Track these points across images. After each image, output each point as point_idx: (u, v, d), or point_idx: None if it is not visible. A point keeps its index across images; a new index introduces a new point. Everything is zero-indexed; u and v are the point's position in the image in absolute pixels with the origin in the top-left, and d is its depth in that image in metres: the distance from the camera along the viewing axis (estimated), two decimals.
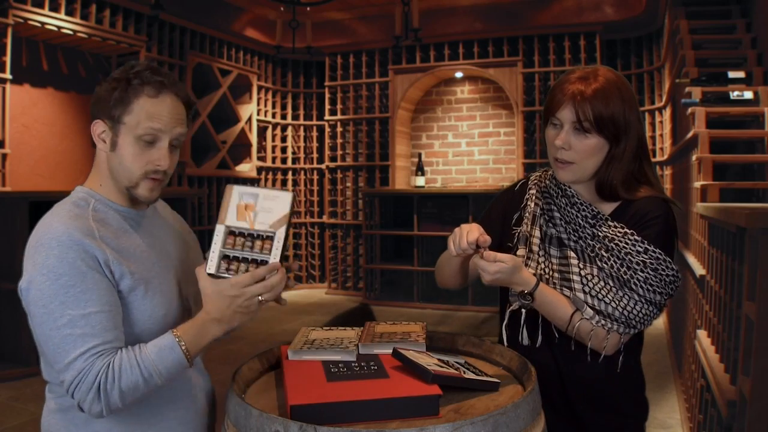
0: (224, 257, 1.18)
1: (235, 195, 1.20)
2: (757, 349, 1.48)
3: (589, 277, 1.35)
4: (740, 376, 1.60)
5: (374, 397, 1.12)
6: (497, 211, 1.57)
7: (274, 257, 1.17)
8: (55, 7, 4.65)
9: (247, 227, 1.19)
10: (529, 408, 1.12)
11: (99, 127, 1.25)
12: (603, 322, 1.32)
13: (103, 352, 1.13)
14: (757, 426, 1.47)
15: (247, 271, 1.17)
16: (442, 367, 1.25)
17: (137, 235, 1.28)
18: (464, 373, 1.26)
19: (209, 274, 1.17)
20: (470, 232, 1.33)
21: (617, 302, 1.32)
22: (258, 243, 1.19)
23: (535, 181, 1.52)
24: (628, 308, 1.32)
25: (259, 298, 1.16)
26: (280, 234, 1.18)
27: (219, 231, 1.19)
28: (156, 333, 1.21)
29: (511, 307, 1.41)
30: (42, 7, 4.53)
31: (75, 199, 1.26)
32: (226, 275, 1.17)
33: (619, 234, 1.35)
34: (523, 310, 1.40)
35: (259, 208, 1.19)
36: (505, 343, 1.44)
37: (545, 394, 1.27)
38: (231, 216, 1.20)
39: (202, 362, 1.43)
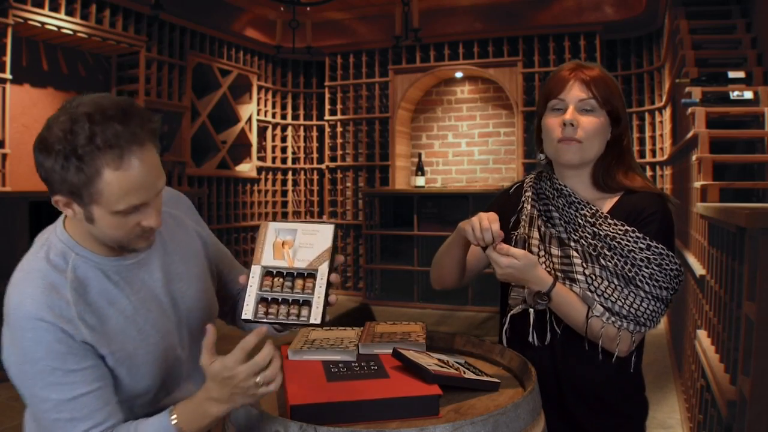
0: (262, 300, 1.09)
1: (271, 232, 1.13)
2: (757, 349, 1.48)
3: (593, 276, 1.35)
4: (740, 376, 1.60)
5: (374, 397, 1.12)
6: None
7: (318, 296, 1.08)
8: (55, 7, 4.64)
9: (286, 266, 1.10)
10: (529, 408, 1.12)
11: (62, 202, 1.05)
12: (613, 319, 1.32)
13: None
14: (757, 426, 1.47)
15: (288, 314, 1.07)
16: (442, 367, 1.25)
17: (122, 295, 1.13)
18: (464, 373, 1.26)
19: (245, 320, 1.08)
20: (494, 222, 1.33)
21: (623, 300, 1.32)
22: (299, 282, 1.09)
23: (530, 183, 1.52)
24: (635, 305, 1.32)
25: (257, 380, 1.00)
26: (323, 270, 1.09)
27: (255, 272, 1.10)
28: (149, 393, 1.15)
29: (512, 311, 1.41)
30: (42, 7, 4.53)
31: (52, 254, 1.09)
32: (265, 320, 1.07)
33: (620, 232, 1.35)
34: (531, 311, 1.39)
35: (298, 244, 1.11)
36: (505, 344, 1.44)
37: (545, 394, 1.27)
38: (267, 255, 1.11)
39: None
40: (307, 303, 1.07)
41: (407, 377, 1.23)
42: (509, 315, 1.42)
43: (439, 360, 1.31)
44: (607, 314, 1.33)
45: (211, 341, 1.02)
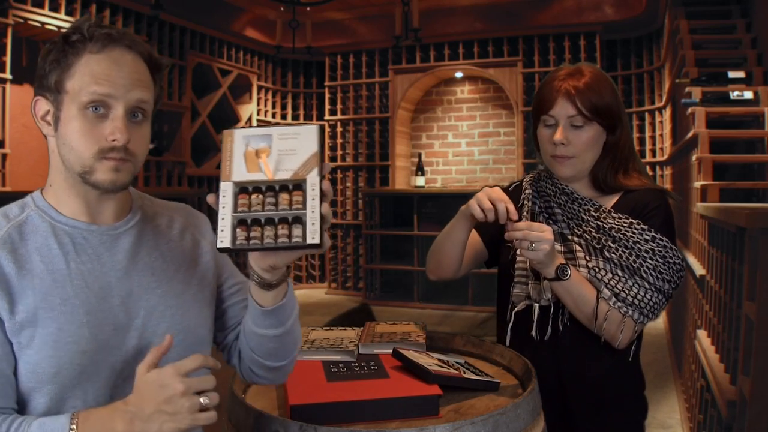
0: (240, 223, 0.86)
1: (239, 140, 0.92)
2: (757, 349, 1.48)
3: (597, 268, 1.36)
4: (740, 376, 1.60)
5: (374, 397, 1.12)
6: None
7: (312, 210, 0.86)
8: (55, 7, 4.65)
9: (265, 178, 0.89)
10: (529, 408, 1.12)
11: (40, 106, 0.98)
12: (619, 304, 1.33)
13: None
14: (757, 426, 1.47)
15: (276, 236, 0.85)
16: (442, 367, 1.25)
17: (62, 258, 0.96)
18: (464, 373, 1.26)
19: (222, 249, 0.86)
20: (508, 202, 1.31)
21: (627, 291, 1.33)
22: (284, 196, 0.88)
23: (530, 182, 1.53)
24: (639, 296, 1.33)
25: (200, 400, 0.83)
26: (313, 179, 0.88)
27: (225, 191, 0.88)
28: (55, 388, 0.91)
29: (516, 308, 1.41)
30: (42, 7, 4.53)
31: (13, 206, 1.01)
32: (248, 246, 0.85)
33: (625, 224, 1.36)
34: (536, 305, 1.38)
35: (277, 152, 0.90)
36: (507, 343, 1.43)
37: (546, 393, 1.27)
38: (238, 168, 0.90)
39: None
40: (299, 220, 0.86)
41: (407, 377, 1.23)
42: (514, 311, 1.42)
43: (439, 360, 1.31)
44: (614, 299, 1.33)
45: (160, 351, 0.86)
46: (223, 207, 0.88)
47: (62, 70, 0.95)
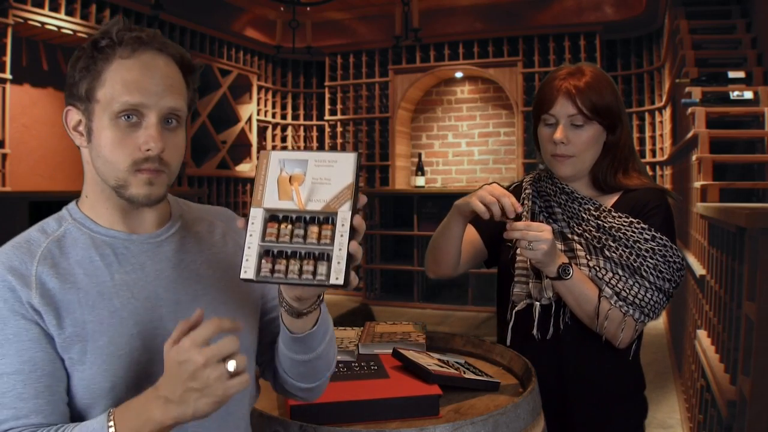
0: (266, 253, 0.84)
1: (274, 164, 0.88)
2: (757, 349, 1.48)
3: (598, 267, 1.36)
4: (740, 376, 1.60)
5: (374, 397, 1.12)
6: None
7: (339, 247, 0.82)
8: (55, 7, 4.65)
9: (295, 208, 0.85)
10: (529, 408, 1.12)
11: (72, 117, 0.95)
12: (620, 303, 1.33)
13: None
14: (757, 426, 1.47)
15: (301, 271, 0.82)
16: (442, 367, 1.25)
17: (106, 270, 0.93)
18: (464, 373, 1.26)
19: (246, 280, 0.83)
20: (510, 197, 1.31)
21: (628, 290, 1.34)
22: (313, 229, 0.84)
23: (530, 182, 1.53)
24: (640, 295, 1.33)
25: (226, 367, 0.78)
26: (344, 213, 0.83)
27: (255, 217, 0.86)
28: (107, 404, 0.89)
29: (517, 307, 1.41)
30: (42, 7, 4.53)
31: (49, 220, 0.98)
32: (271, 279, 0.83)
33: (625, 223, 1.36)
34: (537, 304, 1.38)
35: (311, 180, 0.85)
36: (508, 343, 1.43)
37: (546, 393, 1.27)
38: (270, 194, 0.86)
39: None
40: (325, 256, 0.82)
41: (407, 377, 1.23)
42: (514, 311, 1.41)
43: (439, 360, 1.31)
44: (615, 297, 1.33)
45: (186, 325, 0.81)
46: (251, 234, 0.85)
47: (92, 77, 0.91)
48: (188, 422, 0.81)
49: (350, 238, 0.83)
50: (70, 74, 0.93)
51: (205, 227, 1.06)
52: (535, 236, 1.27)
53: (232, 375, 0.78)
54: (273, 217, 0.86)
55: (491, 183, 1.38)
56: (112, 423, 0.81)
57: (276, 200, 0.86)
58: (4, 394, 0.84)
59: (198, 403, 0.78)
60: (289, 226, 0.85)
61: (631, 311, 1.32)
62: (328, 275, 0.82)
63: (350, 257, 0.82)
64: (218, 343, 0.78)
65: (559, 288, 1.34)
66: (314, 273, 0.82)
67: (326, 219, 0.84)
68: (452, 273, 1.53)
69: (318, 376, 1.02)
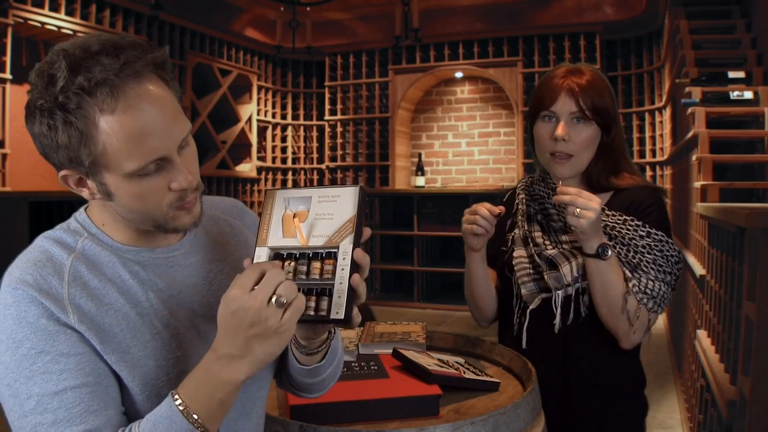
0: None
1: (279, 202, 0.88)
2: (757, 349, 1.48)
3: None
4: (740, 376, 1.60)
5: (374, 397, 1.12)
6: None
7: (340, 281, 0.80)
8: (55, 7, 4.65)
9: (298, 245, 0.85)
10: (529, 408, 1.12)
11: (71, 178, 0.84)
12: (636, 289, 1.32)
13: None
14: (757, 426, 1.47)
15: (304, 308, 0.79)
16: (442, 367, 1.25)
17: (140, 289, 0.87)
18: (464, 373, 1.26)
19: None
20: (483, 205, 1.38)
21: (637, 281, 1.34)
22: (315, 265, 0.83)
23: (523, 187, 1.54)
24: (650, 285, 1.33)
25: (280, 298, 0.75)
26: (345, 247, 0.82)
27: (260, 256, 0.85)
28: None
29: (531, 306, 1.40)
30: (42, 7, 4.53)
31: (66, 228, 0.89)
32: None
33: (619, 221, 1.37)
34: (559, 292, 1.36)
35: (314, 216, 0.86)
36: (524, 345, 1.41)
37: (548, 392, 1.27)
38: (275, 233, 0.86)
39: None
40: (327, 292, 0.81)
41: (407, 377, 1.23)
42: (528, 311, 1.40)
43: (439, 360, 1.31)
44: (633, 281, 1.33)
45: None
46: None
47: (79, 145, 0.78)
48: (261, 371, 0.78)
49: (352, 272, 0.81)
50: (51, 147, 0.80)
51: (221, 228, 1.01)
52: (585, 203, 1.26)
53: (285, 308, 0.76)
54: (277, 255, 0.85)
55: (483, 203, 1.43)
56: (178, 399, 0.77)
57: (280, 238, 0.86)
58: (71, 409, 0.78)
59: (264, 347, 0.76)
60: (293, 263, 0.84)
61: (645, 300, 1.32)
62: (328, 310, 0.80)
63: (352, 291, 0.81)
64: (263, 282, 0.75)
65: (591, 268, 1.32)
66: (316, 309, 0.81)
67: (328, 254, 0.83)
68: (495, 313, 1.54)
69: (323, 389, 1.02)
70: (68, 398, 0.78)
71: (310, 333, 0.88)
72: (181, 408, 0.76)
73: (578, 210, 1.26)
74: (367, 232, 0.85)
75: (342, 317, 0.79)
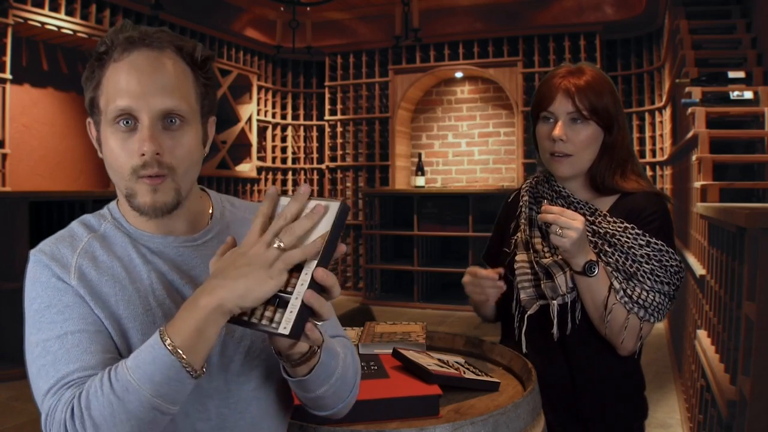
0: None
1: (278, 209, 0.88)
2: (757, 349, 1.48)
3: None
4: (740, 376, 1.60)
5: (374, 397, 1.12)
6: (499, 226, 1.61)
7: (296, 296, 0.79)
8: (55, 7, 4.65)
9: None
10: (529, 408, 1.12)
11: (91, 129, 0.95)
12: (626, 299, 1.33)
13: (77, 381, 0.81)
14: (757, 426, 1.47)
15: (261, 316, 0.80)
16: (442, 367, 1.25)
17: (144, 269, 0.93)
18: (464, 373, 1.26)
19: None
20: (480, 275, 1.42)
21: (632, 290, 1.34)
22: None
23: (527, 189, 1.54)
24: (643, 295, 1.33)
25: (279, 243, 0.78)
26: (310, 264, 0.81)
27: None
28: None
29: (529, 311, 1.40)
30: (42, 7, 4.53)
31: (98, 214, 0.99)
32: (237, 320, 0.82)
33: (619, 229, 1.36)
34: (555, 302, 1.37)
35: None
36: (524, 350, 1.42)
37: (551, 393, 1.27)
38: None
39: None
40: (285, 305, 0.80)
41: (407, 377, 1.23)
42: (526, 316, 1.41)
43: (439, 360, 1.31)
44: (621, 292, 1.33)
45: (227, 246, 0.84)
46: None
47: (94, 87, 0.90)
48: (247, 306, 0.78)
49: (308, 288, 0.79)
50: (84, 86, 0.93)
51: (241, 224, 1.01)
52: (566, 222, 1.27)
53: (280, 254, 0.78)
54: None
55: (468, 270, 1.44)
56: (164, 332, 0.78)
57: None
58: (69, 350, 0.83)
59: (246, 281, 0.77)
60: None
61: (635, 309, 1.32)
62: (279, 323, 0.79)
63: (305, 308, 0.79)
64: (274, 225, 0.80)
65: (580, 283, 1.34)
66: (271, 319, 0.80)
67: (298, 267, 0.81)
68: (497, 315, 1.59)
69: (326, 409, 0.99)
70: (68, 341, 0.84)
71: (277, 345, 0.87)
72: (159, 333, 0.78)
73: (559, 230, 1.27)
74: (341, 249, 0.83)
75: (287, 333, 0.78)
